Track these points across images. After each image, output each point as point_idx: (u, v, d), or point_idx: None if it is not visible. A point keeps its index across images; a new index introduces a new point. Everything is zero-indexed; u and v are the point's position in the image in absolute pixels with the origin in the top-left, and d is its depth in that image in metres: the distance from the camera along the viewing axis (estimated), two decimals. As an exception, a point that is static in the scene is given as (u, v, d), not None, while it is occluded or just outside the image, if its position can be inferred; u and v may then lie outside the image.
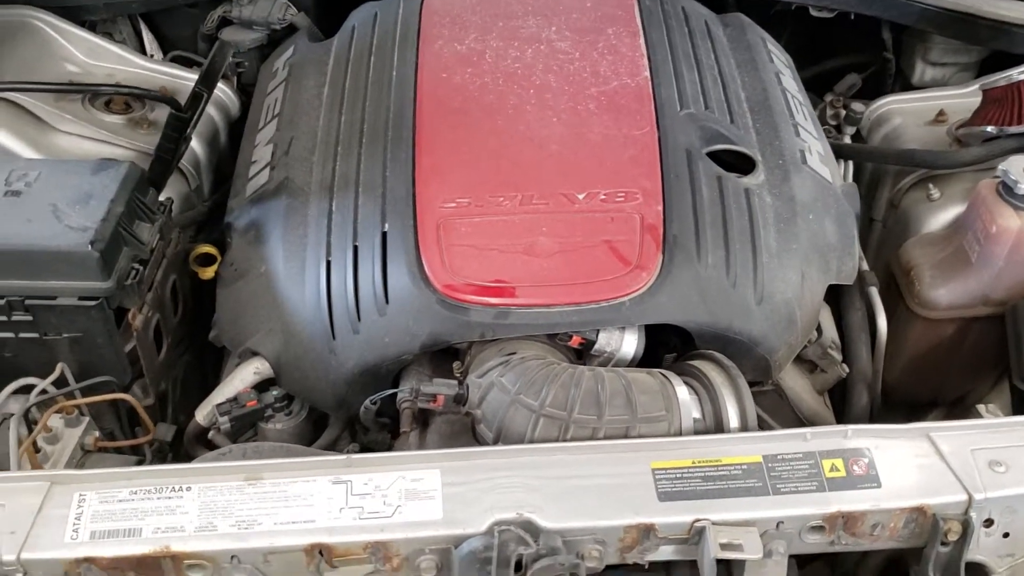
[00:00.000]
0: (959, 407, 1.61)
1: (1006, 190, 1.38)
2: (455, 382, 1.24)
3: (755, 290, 1.31)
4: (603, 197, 1.34)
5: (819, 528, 1.16)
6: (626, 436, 1.19)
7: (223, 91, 1.84)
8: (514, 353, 1.24)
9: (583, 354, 1.28)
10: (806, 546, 1.18)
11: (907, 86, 1.96)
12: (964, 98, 1.78)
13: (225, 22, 1.89)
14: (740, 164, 1.44)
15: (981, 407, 1.41)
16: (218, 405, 1.39)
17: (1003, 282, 1.42)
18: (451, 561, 1.11)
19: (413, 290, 1.28)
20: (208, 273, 1.57)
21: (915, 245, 1.54)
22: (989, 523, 1.17)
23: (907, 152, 1.65)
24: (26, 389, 1.32)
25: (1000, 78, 1.63)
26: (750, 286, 1.31)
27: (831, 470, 1.19)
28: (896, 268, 1.54)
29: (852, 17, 1.82)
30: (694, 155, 1.40)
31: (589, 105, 1.47)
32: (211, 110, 1.80)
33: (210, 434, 1.41)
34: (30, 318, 1.36)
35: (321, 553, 1.12)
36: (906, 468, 1.19)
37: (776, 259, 1.35)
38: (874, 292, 1.50)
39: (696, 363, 1.27)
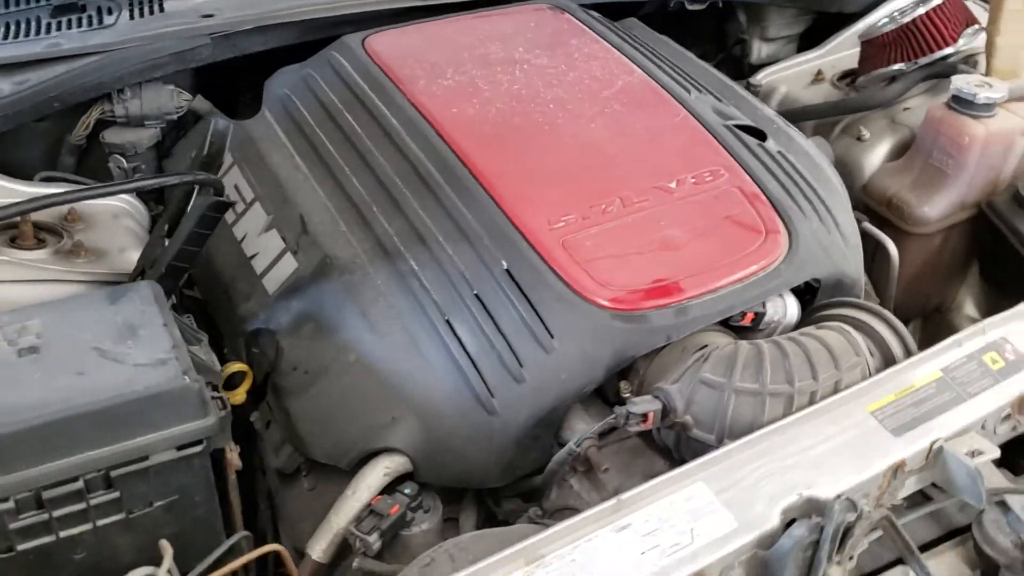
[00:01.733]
0: (937, 316, 1.80)
1: (964, 104, 1.59)
2: (653, 398, 1.16)
3: (841, 235, 1.38)
4: (693, 181, 1.33)
5: (1007, 417, 1.25)
6: (835, 391, 1.19)
7: (126, 201, 1.55)
8: (704, 347, 1.19)
9: (752, 330, 1.26)
10: (999, 439, 1.25)
11: (748, 67, 2.16)
12: (823, 57, 2.01)
13: (103, 124, 1.60)
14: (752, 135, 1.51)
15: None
16: (357, 524, 1.17)
17: (976, 185, 1.62)
18: (762, 562, 1.04)
19: (579, 314, 1.17)
20: (240, 396, 1.32)
21: (881, 177, 1.70)
22: None
23: (845, 102, 1.82)
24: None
25: (876, 28, 1.86)
26: (837, 232, 1.38)
27: (993, 363, 1.28)
28: (872, 202, 1.69)
29: (720, 5, 1.98)
30: (732, 130, 1.44)
31: (614, 106, 1.45)
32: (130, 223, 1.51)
33: (356, 562, 1.18)
34: (115, 495, 1.05)
35: (642, 609, 0.99)
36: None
37: (832, 203, 1.42)
38: (869, 226, 1.63)
39: (835, 311, 1.31)
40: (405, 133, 1.39)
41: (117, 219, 1.51)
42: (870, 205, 1.70)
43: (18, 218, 1.35)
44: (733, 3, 2.03)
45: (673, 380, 1.18)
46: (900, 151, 1.73)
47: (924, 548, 1.19)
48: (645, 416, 1.15)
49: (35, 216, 1.43)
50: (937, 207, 1.62)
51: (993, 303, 1.73)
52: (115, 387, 1.03)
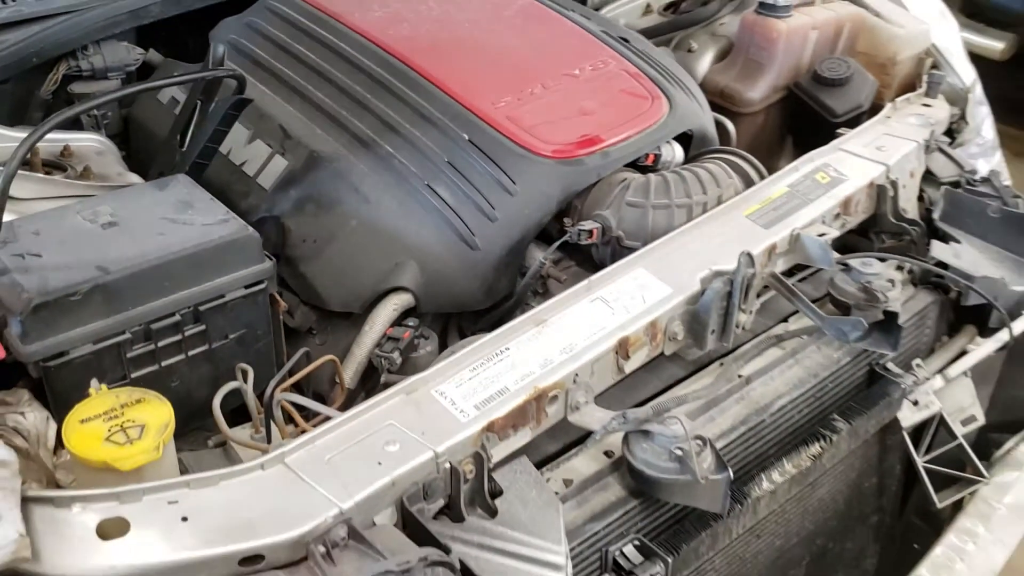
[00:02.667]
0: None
1: (769, 9, 2.06)
2: (593, 221, 1.54)
3: (698, 103, 1.82)
4: (591, 68, 1.73)
5: (837, 215, 1.71)
6: (719, 203, 1.61)
7: (99, 140, 1.76)
8: (624, 180, 1.58)
9: (653, 169, 1.66)
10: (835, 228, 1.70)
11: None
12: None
13: (68, 79, 1.80)
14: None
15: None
16: (379, 347, 1.48)
17: (784, 71, 2.10)
18: (693, 314, 1.43)
19: (531, 164, 1.53)
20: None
21: (713, 75, 2.15)
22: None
23: (676, 20, 2.26)
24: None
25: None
26: (695, 100, 1.81)
27: (822, 179, 1.74)
28: (708, 95, 2.13)
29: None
30: (608, 34, 1.85)
31: (516, 21, 1.83)
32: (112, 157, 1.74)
33: (383, 378, 1.48)
34: (203, 327, 1.32)
35: (618, 349, 1.35)
36: (854, 168, 1.78)
37: (686, 83, 1.86)
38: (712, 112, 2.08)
39: (708, 155, 1.73)
40: (354, 51, 1.71)
41: (101, 155, 1.74)
42: (708, 98, 2.15)
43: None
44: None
45: (605, 207, 1.56)
46: (722, 55, 2.20)
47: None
48: (591, 232, 1.53)
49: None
50: (758, 90, 2.09)
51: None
52: (195, 238, 1.30)
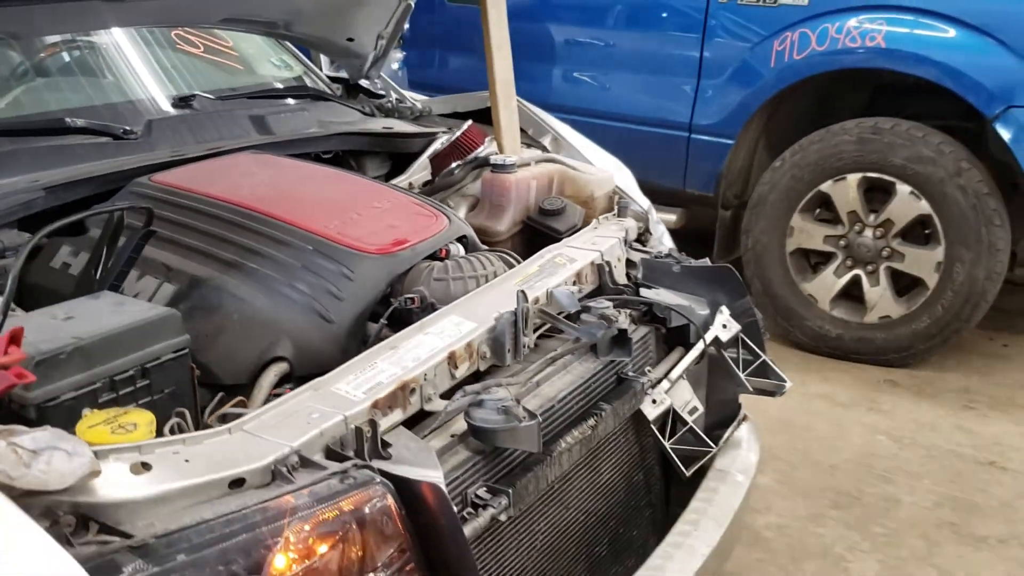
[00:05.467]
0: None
1: (501, 168, 2.86)
2: (417, 293, 2.17)
3: (462, 223, 2.54)
4: (387, 202, 2.41)
5: (574, 283, 2.43)
6: (496, 276, 2.28)
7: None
8: (428, 266, 2.22)
9: (444, 260, 2.32)
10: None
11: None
12: (410, 177, 3.21)
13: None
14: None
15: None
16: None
17: (518, 208, 2.87)
18: (494, 338, 2.05)
19: (364, 259, 2.15)
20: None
21: (469, 220, 2.89)
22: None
23: (433, 189, 2.99)
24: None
25: (437, 150, 3.10)
26: (459, 219, 2.53)
27: (560, 261, 2.47)
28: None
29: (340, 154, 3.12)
30: (393, 186, 2.56)
31: (327, 180, 2.50)
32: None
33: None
34: (148, 381, 1.77)
35: (449, 360, 1.94)
36: (580, 255, 2.55)
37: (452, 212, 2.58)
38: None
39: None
40: (211, 208, 2.28)
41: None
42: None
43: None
44: (344, 156, 3.20)
45: (420, 284, 2.19)
46: (472, 207, 2.96)
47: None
48: (414, 299, 2.15)
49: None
50: (503, 224, 2.83)
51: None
52: (139, 316, 1.78)
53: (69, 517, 1.34)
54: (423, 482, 1.59)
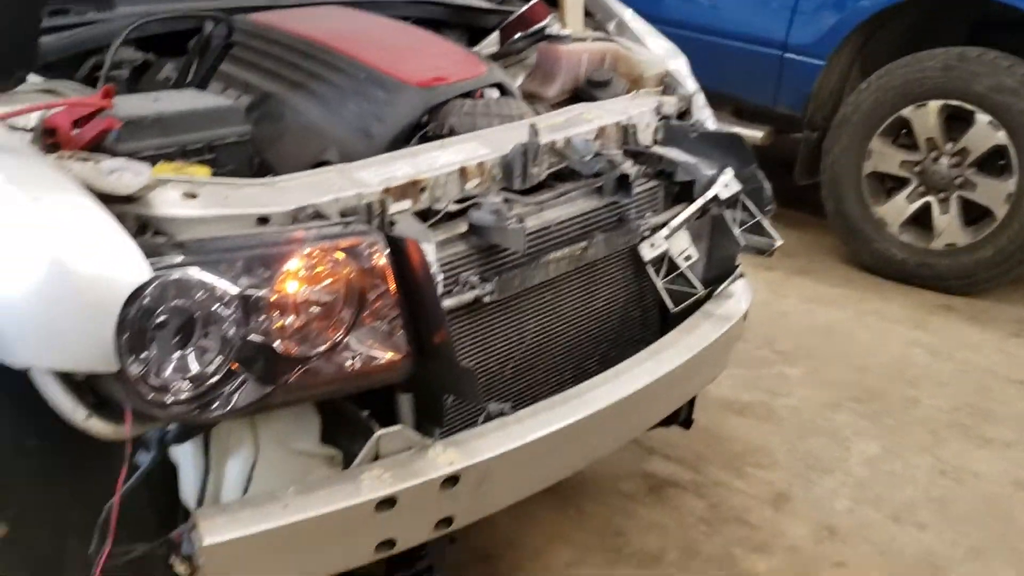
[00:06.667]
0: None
1: (556, 40, 3.18)
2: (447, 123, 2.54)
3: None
4: (428, 51, 2.79)
5: (596, 138, 2.75)
6: (521, 119, 2.63)
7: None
8: (462, 102, 2.59)
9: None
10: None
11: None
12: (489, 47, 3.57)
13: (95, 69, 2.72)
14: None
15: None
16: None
17: (567, 78, 3.19)
18: (507, 164, 2.41)
19: (405, 89, 2.53)
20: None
21: (523, 85, 3.22)
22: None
23: (499, 53, 3.35)
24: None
25: (507, 21, 3.45)
26: (499, 69, 2.88)
27: (587, 117, 2.80)
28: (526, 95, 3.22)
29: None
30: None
31: (389, 28, 2.89)
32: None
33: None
34: (214, 156, 2.22)
35: (461, 174, 2.31)
36: (608, 115, 2.87)
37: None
38: (522, 104, 3.15)
39: (514, 102, 2.78)
40: (290, 40, 2.70)
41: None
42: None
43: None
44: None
45: (452, 117, 2.56)
46: (529, 75, 3.30)
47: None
48: (442, 126, 2.52)
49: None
50: (552, 90, 3.17)
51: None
52: (215, 102, 2.22)
53: (132, 222, 1.80)
54: (410, 240, 1.97)
